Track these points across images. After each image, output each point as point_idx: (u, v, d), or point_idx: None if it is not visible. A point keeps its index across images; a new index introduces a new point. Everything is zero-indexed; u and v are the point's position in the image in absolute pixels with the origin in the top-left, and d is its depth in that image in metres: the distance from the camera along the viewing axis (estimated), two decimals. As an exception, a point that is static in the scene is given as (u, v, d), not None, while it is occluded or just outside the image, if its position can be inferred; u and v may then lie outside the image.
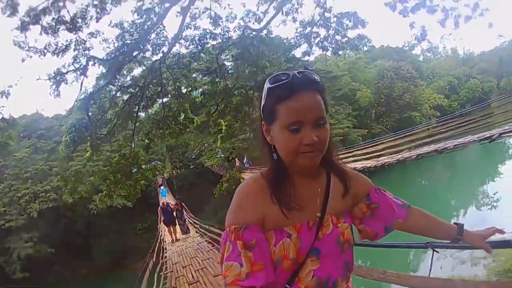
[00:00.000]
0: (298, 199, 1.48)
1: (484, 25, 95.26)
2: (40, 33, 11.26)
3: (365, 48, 61.78)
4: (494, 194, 26.37)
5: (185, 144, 31.51)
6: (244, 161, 29.80)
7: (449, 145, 13.09)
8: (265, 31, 13.76)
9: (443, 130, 14.78)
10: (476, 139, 12.15)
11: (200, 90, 16.62)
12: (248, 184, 1.50)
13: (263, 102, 1.46)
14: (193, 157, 42.43)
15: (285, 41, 15.08)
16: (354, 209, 1.69)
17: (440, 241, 2.51)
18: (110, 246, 36.77)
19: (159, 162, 31.10)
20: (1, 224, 33.15)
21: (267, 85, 1.44)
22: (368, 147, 17.99)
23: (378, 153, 16.46)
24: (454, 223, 1.86)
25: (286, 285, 1.42)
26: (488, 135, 11.86)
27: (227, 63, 16.14)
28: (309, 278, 1.44)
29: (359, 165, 15.09)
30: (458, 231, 1.81)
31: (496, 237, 1.93)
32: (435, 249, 2.63)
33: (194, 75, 16.93)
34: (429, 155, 13.63)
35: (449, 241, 1.99)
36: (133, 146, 13.89)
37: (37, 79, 12.04)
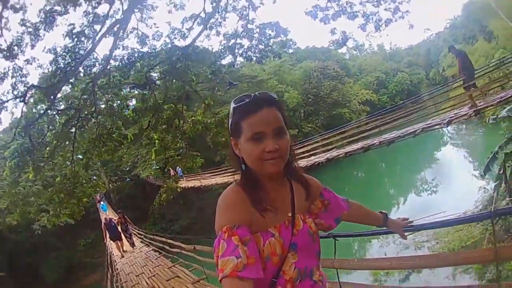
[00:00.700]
0: (271, 202, 1.66)
1: (410, 20, 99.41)
2: None
3: (290, 51, 62.55)
4: (433, 179, 28.07)
5: (119, 157, 31.40)
6: (178, 170, 30.06)
7: (375, 141, 13.67)
8: (190, 48, 14.04)
9: (374, 126, 15.19)
10: (400, 135, 12.67)
11: (132, 106, 16.95)
12: (230, 194, 1.63)
13: (230, 120, 1.65)
14: (128, 169, 42.39)
15: (210, 54, 15.51)
16: (311, 206, 1.91)
17: (339, 233, 3.07)
18: (57, 264, 36.46)
19: (95, 177, 31.05)
20: None
21: (232, 105, 1.64)
22: (299, 147, 18.11)
23: (310, 153, 17.03)
24: (379, 212, 2.27)
25: (273, 279, 1.58)
26: (411, 130, 12.53)
27: (156, 80, 16.53)
28: (291, 270, 1.62)
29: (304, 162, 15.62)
30: (383, 217, 2.25)
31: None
32: (336, 238, 3.17)
33: (123, 91, 17.16)
34: (356, 152, 14.33)
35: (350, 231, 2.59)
36: (73, 165, 14.12)
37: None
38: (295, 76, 57.32)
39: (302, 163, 15.49)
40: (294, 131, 45.68)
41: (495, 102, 10.94)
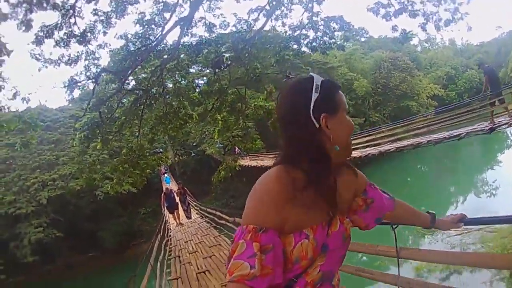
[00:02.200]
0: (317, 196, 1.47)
1: (482, 16, 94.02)
2: (54, 46, 12.49)
3: (363, 39, 61.51)
4: (493, 182, 26.42)
5: (186, 133, 32.38)
6: (237, 151, 30.96)
7: (423, 140, 14.22)
8: (256, 38, 14.32)
9: (439, 120, 15.46)
10: (446, 136, 13.25)
11: (199, 87, 17.70)
12: (272, 182, 1.42)
13: (315, 97, 1.46)
14: (194, 144, 43.21)
15: (275, 43, 15.41)
16: (352, 203, 1.74)
17: None
18: (116, 230, 38.19)
19: (161, 150, 32.29)
20: (12, 212, 34.30)
21: (318, 80, 1.48)
22: (367, 136, 18.70)
23: (377, 142, 17.40)
24: (427, 212, 2.08)
25: (293, 279, 1.44)
26: (456, 133, 13.05)
27: (222, 65, 17.09)
28: (315, 272, 1.47)
29: (359, 153, 16.29)
30: (431, 218, 2.05)
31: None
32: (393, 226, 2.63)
33: (192, 70, 17.82)
34: (406, 148, 14.64)
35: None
36: (139, 139, 14.97)
37: (53, 87, 13.34)
38: (366, 65, 56.96)
39: (371, 151, 16.35)
40: (361, 119, 45.78)
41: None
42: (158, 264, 10.57)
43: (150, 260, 10.08)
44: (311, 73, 1.51)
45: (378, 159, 16.38)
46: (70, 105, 39.36)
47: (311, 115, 1.45)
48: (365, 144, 18.09)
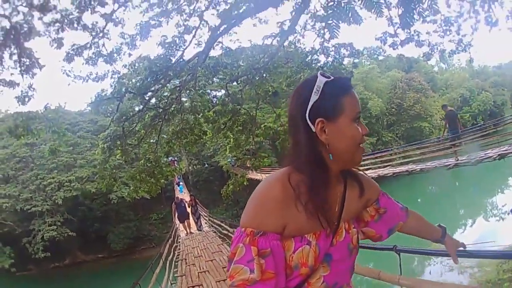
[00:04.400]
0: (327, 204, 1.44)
1: (499, 39, 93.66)
2: (83, 64, 13.56)
3: (380, 58, 61.41)
4: (503, 206, 26.70)
5: (201, 144, 33.47)
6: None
7: (417, 168, 15.37)
8: (269, 63, 14.84)
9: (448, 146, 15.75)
10: (442, 164, 14.33)
11: (216, 100, 18.63)
12: (273, 187, 1.39)
13: (314, 99, 1.41)
14: (209, 155, 44.02)
15: (287, 68, 15.72)
16: (363, 212, 1.71)
17: (404, 246, 2.93)
18: (125, 234, 39.07)
19: (176, 159, 33.29)
20: (27, 209, 35.44)
21: (321, 81, 1.41)
22: (379, 156, 19.45)
23: (389, 163, 18.09)
24: (438, 225, 1.97)
25: None
26: (450, 163, 14.13)
27: (236, 88, 17.92)
28: (319, 283, 1.44)
29: (371, 173, 16.63)
30: (442, 232, 1.94)
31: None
32: (399, 251, 2.88)
33: (209, 90, 18.75)
34: (402, 173, 15.55)
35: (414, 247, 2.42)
36: (157, 152, 15.96)
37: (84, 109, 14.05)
38: (382, 84, 57.24)
39: (383, 171, 16.99)
40: (374, 139, 46.40)
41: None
42: (168, 263, 12.31)
43: (162, 257, 12.30)
44: (320, 72, 1.44)
45: (389, 178, 17.01)
46: (88, 108, 40.39)
47: (307, 118, 1.42)
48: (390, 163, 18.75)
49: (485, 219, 27.99)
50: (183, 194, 33.45)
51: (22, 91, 12.73)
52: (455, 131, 15.34)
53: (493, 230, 21.89)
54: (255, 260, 1.29)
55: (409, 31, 11.98)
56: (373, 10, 7.22)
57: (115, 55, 13.88)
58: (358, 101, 1.47)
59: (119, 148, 14.86)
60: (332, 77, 1.43)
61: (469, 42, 13.73)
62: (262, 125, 17.45)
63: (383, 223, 1.75)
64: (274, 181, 1.42)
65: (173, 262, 13.06)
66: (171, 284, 10.80)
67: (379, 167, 18.21)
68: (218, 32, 13.33)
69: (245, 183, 18.06)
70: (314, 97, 1.41)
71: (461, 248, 2.03)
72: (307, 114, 1.42)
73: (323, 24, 11.52)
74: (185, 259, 13.14)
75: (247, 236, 1.34)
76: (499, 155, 12.41)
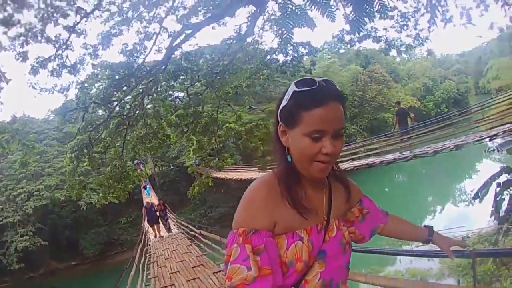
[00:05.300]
0: (309, 202, 1.49)
1: (430, 46, 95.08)
2: (47, 76, 13.69)
3: (342, 51, 62.35)
4: (471, 191, 25.35)
5: (167, 145, 33.71)
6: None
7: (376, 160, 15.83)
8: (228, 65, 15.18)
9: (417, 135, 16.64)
10: (401, 157, 14.79)
11: (179, 102, 18.92)
12: (260, 187, 1.47)
13: (283, 104, 1.45)
14: (174, 156, 44.12)
15: (246, 69, 16.36)
16: (348, 213, 1.77)
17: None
18: (96, 239, 39.12)
19: (141, 161, 33.43)
20: None
21: (293, 87, 1.42)
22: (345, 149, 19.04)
23: (355, 156, 18.55)
24: (424, 226, 1.99)
25: (293, 287, 1.44)
26: (404, 156, 14.73)
27: (197, 88, 18.21)
28: (315, 280, 1.47)
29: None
30: (428, 232, 1.95)
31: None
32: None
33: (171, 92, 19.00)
34: (377, 164, 15.90)
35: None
36: (123, 158, 16.19)
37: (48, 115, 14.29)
38: (344, 77, 57.38)
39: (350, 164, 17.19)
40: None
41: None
42: (140, 266, 12.67)
43: (135, 261, 12.72)
44: (300, 80, 1.43)
45: (355, 170, 17.31)
46: (52, 116, 40.09)
47: (278, 120, 1.49)
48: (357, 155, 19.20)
49: (454, 204, 28.81)
50: (150, 197, 33.57)
51: (-11, 104, 12.98)
52: (405, 127, 16.40)
53: (462, 215, 22.50)
54: (250, 257, 1.32)
55: (365, 27, 11.76)
56: (325, 15, 7.46)
57: (79, 65, 14.11)
58: (327, 119, 1.38)
59: (87, 156, 15.15)
60: (307, 88, 1.40)
61: (426, 37, 14.08)
62: (224, 126, 17.85)
63: (367, 224, 1.82)
64: (260, 183, 1.50)
65: (145, 265, 13.39)
66: (145, 286, 11.16)
67: (341, 162, 18.29)
68: (178, 40, 13.61)
69: (210, 183, 18.37)
70: (283, 102, 1.45)
71: (457, 247, 2.11)
72: (278, 117, 1.50)
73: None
74: (157, 261, 13.44)
75: (240, 235, 1.37)
76: (455, 145, 12.94)
